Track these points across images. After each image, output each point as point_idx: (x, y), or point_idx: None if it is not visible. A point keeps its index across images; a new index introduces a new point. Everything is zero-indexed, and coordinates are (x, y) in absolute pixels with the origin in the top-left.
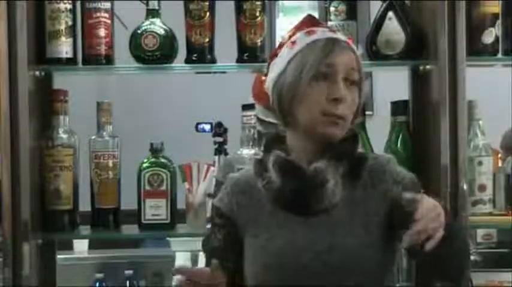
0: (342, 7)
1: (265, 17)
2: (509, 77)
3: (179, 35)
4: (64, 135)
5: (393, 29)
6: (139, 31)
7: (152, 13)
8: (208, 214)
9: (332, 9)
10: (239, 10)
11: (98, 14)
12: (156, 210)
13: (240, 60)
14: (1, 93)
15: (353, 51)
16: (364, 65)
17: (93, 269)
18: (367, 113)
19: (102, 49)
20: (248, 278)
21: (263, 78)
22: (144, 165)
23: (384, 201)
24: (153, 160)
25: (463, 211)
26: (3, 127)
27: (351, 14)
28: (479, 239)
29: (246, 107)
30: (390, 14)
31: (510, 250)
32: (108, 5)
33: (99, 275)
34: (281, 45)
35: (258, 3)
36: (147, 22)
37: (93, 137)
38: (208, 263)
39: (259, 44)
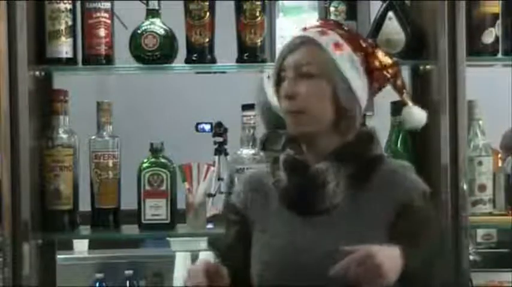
0: (342, 7)
1: (265, 17)
2: (509, 77)
3: (179, 35)
4: (64, 135)
5: (393, 29)
6: (139, 31)
7: (152, 13)
8: (208, 214)
9: (332, 9)
10: (239, 10)
11: (98, 14)
12: (156, 210)
13: (240, 60)
14: (1, 93)
15: (312, 45)
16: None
17: (93, 269)
18: (368, 113)
19: (102, 49)
20: (253, 274)
21: None
22: (144, 165)
23: (389, 208)
24: (153, 160)
25: (463, 211)
26: (3, 127)
27: (351, 14)
28: (479, 239)
29: (246, 107)
30: (390, 14)
31: (510, 250)
32: (108, 5)
33: (99, 275)
34: None
35: (258, 3)
36: (147, 22)
37: (93, 137)
38: (220, 260)
39: (259, 44)
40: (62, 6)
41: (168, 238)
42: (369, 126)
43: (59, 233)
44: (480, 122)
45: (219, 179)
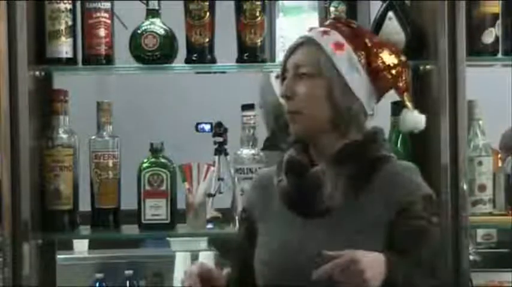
0: (342, 7)
1: (265, 17)
2: (509, 77)
3: (179, 35)
4: (64, 135)
5: (393, 29)
6: (139, 31)
7: (152, 13)
8: (209, 214)
9: (332, 9)
10: (239, 10)
11: (98, 14)
12: (156, 210)
13: (240, 60)
14: (1, 93)
15: (311, 45)
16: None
17: (93, 269)
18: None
19: (102, 49)
20: (256, 272)
21: None
22: (144, 165)
23: (389, 210)
24: (153, 160)
25: (463, 211)
26: (3, 127)
27: (351, 14)
28: (479, 239)
29: (246, 107)
30: (390, 14)
31: (510, 250)
32: (108, 5)
33: (99, 275)
34: None
35: (258, 3)
36: (147, 22)
37: (93, 137)
38: (230, 258)
39: (259, 44)
40: (62, 6)
41: (168, 238)
42: (376, 127)
43: (59, 233)
44: (480, 122)
45: (219, 179)
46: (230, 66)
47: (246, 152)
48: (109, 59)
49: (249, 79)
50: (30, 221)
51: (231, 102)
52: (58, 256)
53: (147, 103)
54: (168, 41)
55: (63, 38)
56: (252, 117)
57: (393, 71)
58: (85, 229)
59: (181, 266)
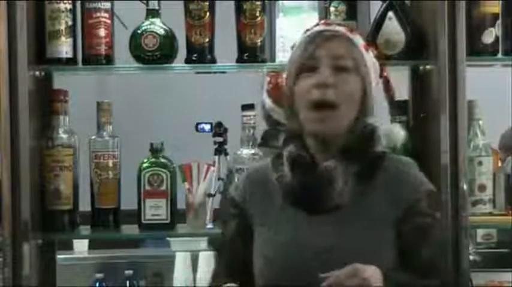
0: (342, 7)
1: (265, 17)
2: (509, 77)
3: (179, 35)
4: (64, 135)
5: (393, 29)
6: (139, 31)
7: (152, 13)
8: (208, 214)
9: (332, 9)
10: (239, 10)
11: (98, 14)
12: (156, 210)
13: (240, 60)
14: (1, 93)
15: (345, 39)
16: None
17: (93, 269)
18: None
19: (102, 49)
20: (254, 269)
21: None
22: (144, 165)
23: (396, 208)
24: (153, 160)
25: (463, 211)
26: (3, 127)
27: (351, 14)
28: (479, 239)
29: (246, 107)
30: (390, 14)
31: (510, 250)
32: (108, 5)
33: (99, 275)
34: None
35: (258, 3)
36: (147, 22)
37: (93, 137)
38: (218, 254)
39: (259, 44)
40: (62, 6)
41: (168, 238)
42: (372, 124)
43: (59, 233)
44: (480, 122)
45: (219, 179)
46: (230, 66)
47: (246, 152)
48: (109, 59)
49: (249, 79)
50: (30, 221)
51: (231, 102)
52: (58, 256)
53: (147, 103)
54: (168, 41)
55: (63, 38)
56: (252, 117)
57: (390, 86)
58: (85, 229)
59: (181, 266)
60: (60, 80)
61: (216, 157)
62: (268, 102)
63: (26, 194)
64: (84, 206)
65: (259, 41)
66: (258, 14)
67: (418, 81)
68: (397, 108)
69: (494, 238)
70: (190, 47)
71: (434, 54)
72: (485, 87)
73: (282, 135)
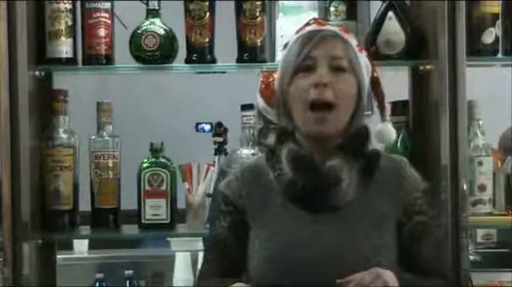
0: (342, 7)
1: (265, 17)
2: (509, 77)
3: (179, 35)
4: (64, 135)
5: (393, 29)
6: (139, 31)
7: (152, 13)
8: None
9: (332, 9)
10: (239, 10)
11: (98, 14)
12: (156, 210)
13: (240, 60)
14: (1, 93)
15: (341, 40)
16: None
17: (93, 269)
18: (367, 113)
19: (102, 49)
20: (250, 268)
21: (266, 73)
22: (144, 165)
23: (396, 206)
24: (153, 160)
25: (463, 211)
26: (3, 127)
27: (351, 14)
28: (479, 239)
29: (246, 107)
30: (390, 14)
31: (510, 250)
32: (108, 5)
33: (99, 275)
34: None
35: (258, 3)
36: (147, 22)
37: (93, 137)
38: (207, 253)
39: (259, 44)
40: (62, 6)
41: (168, 238)
42: (363, 123)
43: (59, 233)
44: (480, 122)
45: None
46: (230, 66)
47: (246, 152)
48: (109, 59)
49: (249, 79)
50: (30, 221)
51: (231, 102)
52: (58, 256)
53: (147, 103)
54: (168, 41)
55: (63, 38)
56: (251, 117)
57: (379, 86)
58: (85, 229)
59: (181, 266)
60: (60, 80)
61: (216, 157)
62: (261, 102)
63: (26, 194)
64: (84, 206)
65: (259, 41)
66: (258, 14)
67: (418, 81)
68: (384, 110)
69: (494, 238)
70: (190, 47)
71: (434, 54)
72: (485, 87)
73: (274, 133)
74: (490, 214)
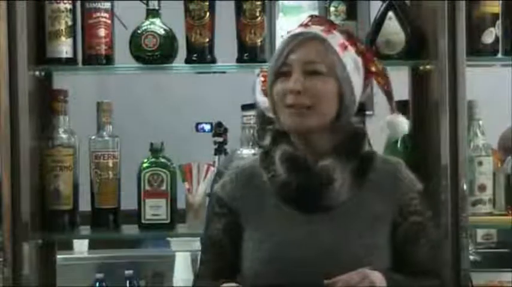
0: (342, 7)
1: (265, 17)
2: (509, 77)
3: (179, 35)
4: (64, 135)
5: (393, 29)
6: (139, 31)
7: (152, 13)
8: None
9: (332, 9)
10: (239, 10)
11: (98, 14)
12: (156, 210)
13: (240, 60)
14: (1, 93)
15: (319, 43)
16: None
17: (93, 269)
18: (367, 113)
19: (102, 49)
20: (244, 269)
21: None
22: (144, 165)
23: (391, 207)
24: (153, 160)
25: (463, 211)
26: (3, 127)
27: (351, 14)
28: (479, 239)
29: (246, 107)
30: (390, 14)
31: (510, 250)
32: (108, 5)
33: (99, 275)
34: None
35: (258, 3)
36: (147, 22)
37: (93, 137)
38: (203, 254)
39: (259, 44)
40: (62, 6)
41: (168, 238)
42: (359, 124)
43: (59, 233)
44: (480, 122)
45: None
46: (230, 66)
47: (246, 152)
48: (109, 59)
49: (249, 79)
50: (30, 221)
51: (231, 102)
52: (58, 256)
53: (147, 103)
54: (168, 41)
55: (63, 38)
56: (251, 117)
57: (383, 76)
58: (85, 229)
59: (181, 266)
60: (60, 80)
61: (216, 157)
62: (263, 101)
63: (26, 194)
64: (84, 206)
65: (259, 41)
66: (258, 14)
67: (418, 81)
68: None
69: (494, 238)
70: (190, 47)
71: (434, 54)
72: (485, 87)
73: (269, 134)
74: (490, 214)
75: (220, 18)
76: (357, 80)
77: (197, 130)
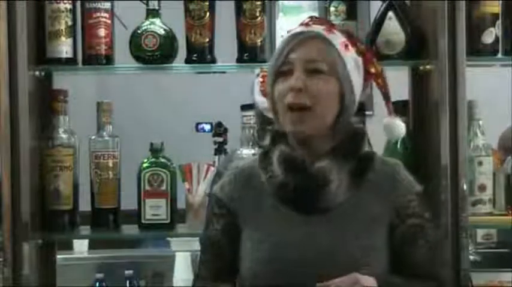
0: (342, 7)
1: (265, 17)
2: (509, 77)
3: (179, 35)
4: (64, 135)
5: (393, 29)
6: (139, 31)
7: (152, 13)
8: None
9: (332, 9)
10: (239, 10)
11: (98, 14)
12: (156, 210)
13: (240, 60)
14: (1, 93)
15: (321, 41)
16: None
17: (93, 269)
18: (367, 113)
19: (102, 49)
20: (243, 269)
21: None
22: (144, 165)
23: (389, 209)
24: (153, 160)
25: (463, 211)
26: (3, 127)
27: (351, 14)
28: (479, 239)
29: (246, 107)
30: (390, 14)
31: (510, 250)
32: (108, 5)
33: (99, 275)
34: None
35: (258, 3)
36: (147, 22)
37: (93, 137)
38: (202, 254)
39: (259, 44)
40: (62, 6)
41: (168, 238)
42: (358, 124)
43: (59, 233)
44: (480, 122)
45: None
46: (230, 66)
47: (246, 152)
48: (109, 59)
49: (249, 79)
50: (30, 221)
51: (231, 102)
52: (58, 256)
53: (147, 103)
54: (168, 41)
55: (63, 38)
56: (251, 117)
57: (381, 78)
58: (85, 229)
59: (181, 266)
60: (60, 80)
61: (216, 157)
62: (262, 101)
63: (26, 194)
64: (84, 206)
65: (259, 41)
66: (258, 14)
67: (418, 81)
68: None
69: (494, 238)
70: (190, 47)
71: (434, 54)
72: (485, 87)
73: (268, 135)
74: (490, 214)
75: (220, 18)
76: (357, 79)
77: (197, 130)
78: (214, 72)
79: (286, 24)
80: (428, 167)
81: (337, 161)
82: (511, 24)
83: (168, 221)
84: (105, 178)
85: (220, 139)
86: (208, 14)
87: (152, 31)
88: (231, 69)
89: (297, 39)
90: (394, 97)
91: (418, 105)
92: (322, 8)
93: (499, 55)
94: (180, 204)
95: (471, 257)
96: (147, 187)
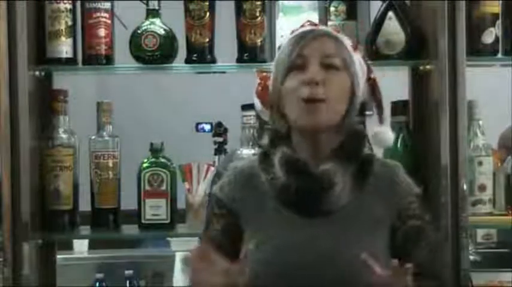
0: (342, 7)
1: (265, 17)
2: (509, 77)
3: (179, 35)
4: (64, 135)
5: (393, 29)
6: (139, 31)
7: (152, 13)
8: None
9: (332, 9)
10: (239, 10)
11: (98, 14)
12: (156, 210)
13: (240, 60)
14: (1, 93)
15: (334, 39)
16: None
17: (93, 269)
18: (367, 113)
19: (102, 49)
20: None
21: (263, 74)
22: (144, 165)
23: (390, 211)
24: (153, 160)
25: (463, 211)
26: (3, 127)
27: (351, 14)
28: (479, 239)
29: (246, 107)
30: (390, 14)
31: (510, 250)
32: (108, 5)
33: (99, 275)
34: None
35: (258, 3)
36: (147, 22)
37: (93, 137)
38: None
39: (259, 44)
40: (62, 6)
41: (168, 238)
42: (359, 125)
43: (59, 233)
44: (480, 122)
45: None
46: (230, 66)
47: (246, 152)
48: (109, 59)
49: (249, 79)
50: (30, 221)
51: (231, 102)
52: (58, 256)
53: (147, 103)
54: (168, 41)
55: (63, 38)
56: (251, 117)
57: (376, 87)
58: (85, 229)
59: (181, 266)
60: (60, 80)
61: (216, 157)
62: (257, 103)
63: (26, 194)
64: (84, 206)
65: (259, 41)
66: (258, 14)
67: (418, 81)
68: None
69: (494, 238)
70: (190, 47)
71: (434, 54)
72: (485, 87)
73: (267, 136)
74: (490, 214)
75: (220, 18)
76: (362, 80)
77: (197, 130)
78: (214, 72)
79: (286, 24)
80: (428, 167)
81: (341, 163)
82: (511, 24)
83: (168, 221)
84: (105, 178)
85: (220, 139)
86: (208, 14)
87: (152, 31)
88: (231, 69)
89: (311, 35)
90: (394, 97)
91: (418, 105)
92: (322, 8)
93: (499, 55)
94: (180, 204)
95: (471, 257)
96: (147, 187)
